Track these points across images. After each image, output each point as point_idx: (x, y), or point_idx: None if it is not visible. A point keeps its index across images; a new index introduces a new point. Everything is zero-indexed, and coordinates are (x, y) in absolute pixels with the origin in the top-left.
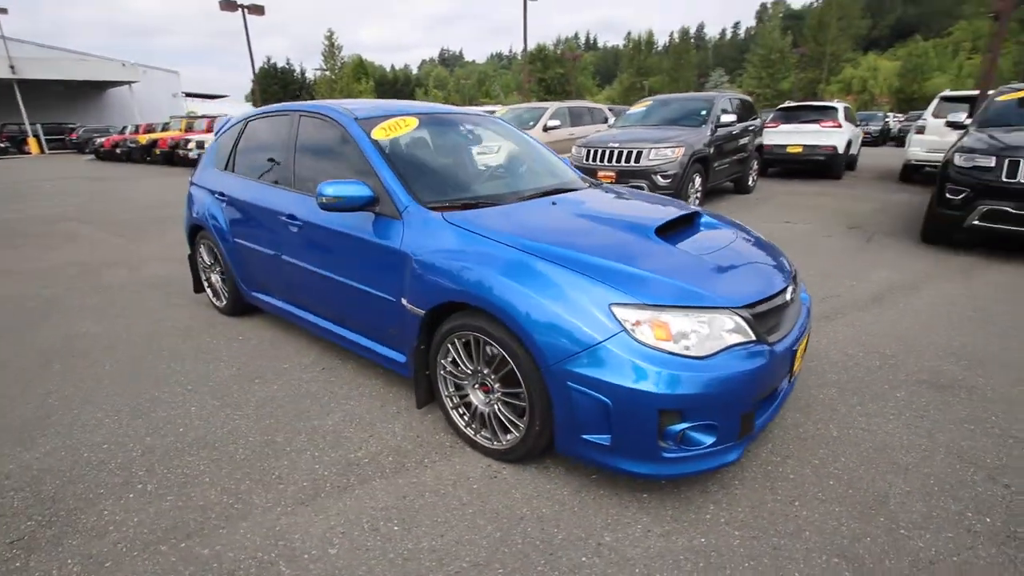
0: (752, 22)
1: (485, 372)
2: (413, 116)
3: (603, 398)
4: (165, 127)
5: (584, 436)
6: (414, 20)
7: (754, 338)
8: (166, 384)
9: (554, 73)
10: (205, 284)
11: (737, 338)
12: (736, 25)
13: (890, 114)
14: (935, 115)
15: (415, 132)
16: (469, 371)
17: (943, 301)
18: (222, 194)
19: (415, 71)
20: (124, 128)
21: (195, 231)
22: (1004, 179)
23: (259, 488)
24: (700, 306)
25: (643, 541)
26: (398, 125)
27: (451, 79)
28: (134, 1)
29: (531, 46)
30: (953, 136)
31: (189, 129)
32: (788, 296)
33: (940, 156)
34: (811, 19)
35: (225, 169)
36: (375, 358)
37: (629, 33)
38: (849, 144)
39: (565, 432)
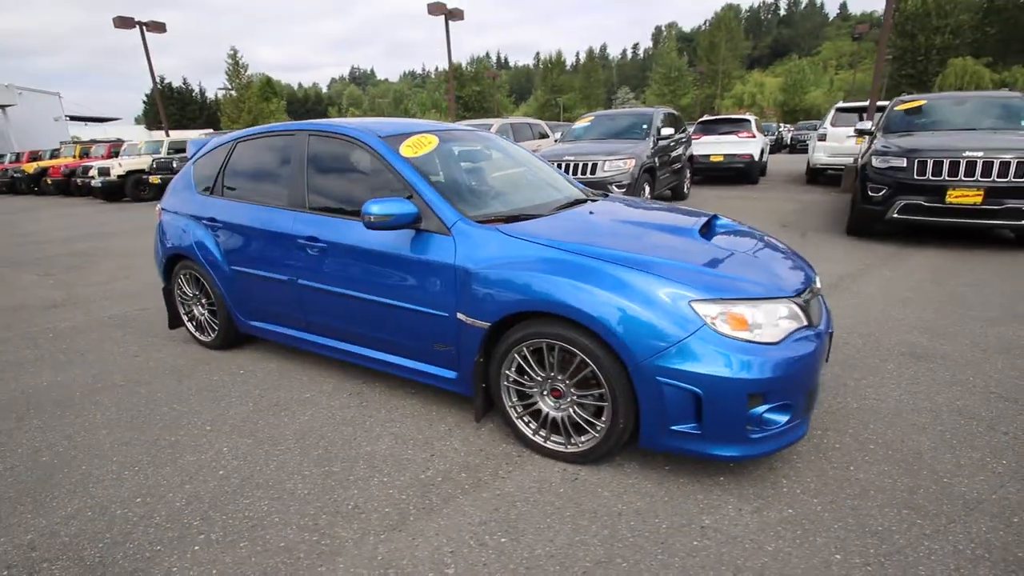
0: (650, 43)
1: (560, 378)
2: (431, 133)
3: (694, 388)
4: (55, 153)
5: (673, 427)
6: (317, 40)
7: (807, 323)
8: (179, 427)
9: (471, 91)
10: (185, 318)
11: (796, 324)
12: (635, 46)
13: (782, 125)
14: (833, 124)
15: (437, 149)
16: (539, 378)
17: (886, 285)
18: (213, 219)
19: (325, 89)
20: (2, 156)
21: (173, 261)
22: (915, 177)
23: (340, 520)
24: (765, 297)
25: (740, 519)
26: (421, 143)
27: (365, 98)
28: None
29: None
30: (850, 143)
31: (85, 155)
32: (818, 284)
33: (841, 160)
34: (703, 40)
35: (211, 193)
36: (417, 378)
37: (538, 54)
38: (762, 152)
39: (652, 426)
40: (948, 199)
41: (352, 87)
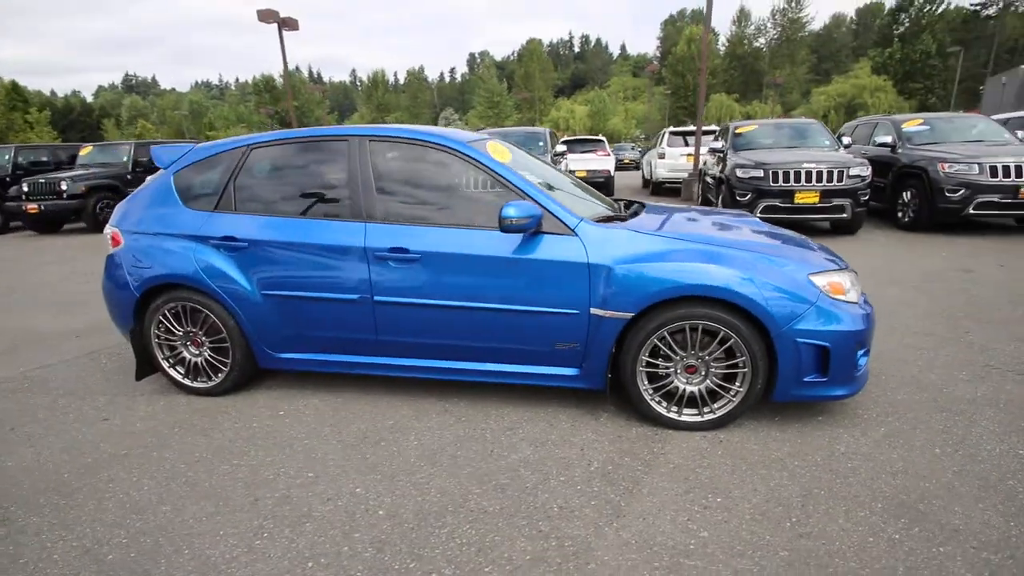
0: (465, 68)
1: (697, 354)
2: (495, 141)
3: (825, 343)
4: None
5: (805, 379)
6: (75, 40)
7: (860, 288)
8: (271, 483)
9: (287, 105)
10: (167, 364)
11: (859, 288)
12: (452, 70)
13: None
14: (670, 145)
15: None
16: (677, 358)
17: None
18: (230, 239)
19: (91, 98)
20: None
21: (152, 294)
22: (771, 184)
23: (562, 523)
24: (843, 268)
25: (858, 443)
26: (501, 150)
27: (153, 109)
28: None
29: (253, 77)
30: (683, 160)
31: None
32: None
33: (679, 175)
34: (519, 69)
35: (216, 208)
36: (528, 381)
37: (355, 70)
38: (614, 168)
39: (787, 381)
40: (796, 200)
41: (134, 97)
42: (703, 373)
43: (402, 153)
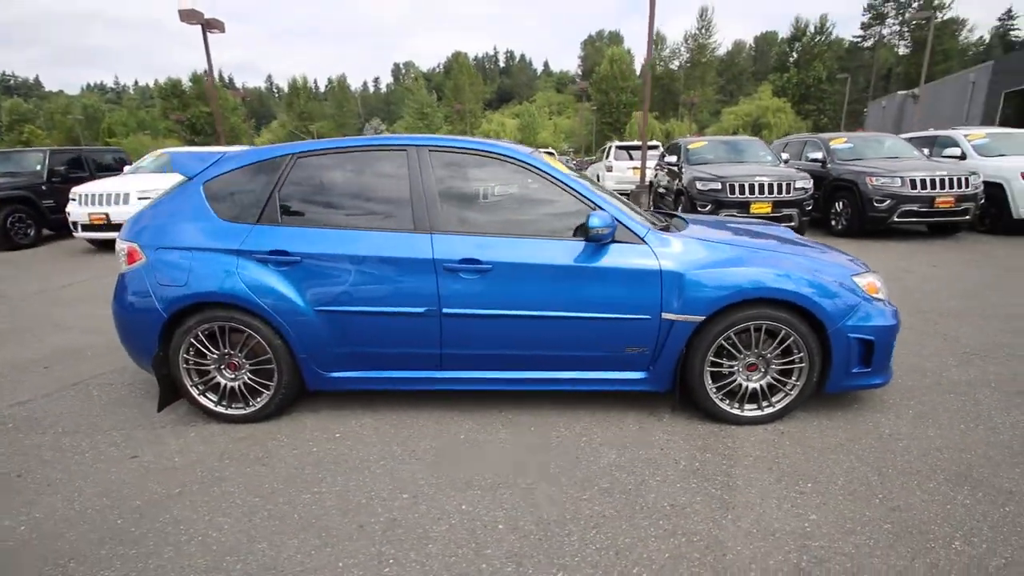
0: (391, 79)
1: (759, 353)
2: (543, 153)
3: (871, 337)
4: None
5: (853, 370)
6: None
7: None
8: (363, 508)
9: (199, 112)
10: (196, 391)
11: (885, 288)
12: (376, 80)
13: None
14: (616, 159)
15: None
16: (739, 357)
17: None
18: (281, 252)
19: None
20: None
21: (183, 315)
22: (728, 195)
23: (683, 520)
24: (871, 271)
25: (899, 420)
26: (556, 162)
27: (39, 112)
28: None
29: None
30: (629, 173)
31: None
32: None
33: (626, 186)
34: (449, 82)
35: (259, 221)
36: (594, 387)
37: (271, 76)
38: None
39: (839, 374)
40: (751, 210)
41: (15, 99)
42: (763, 370)
43: (463, 163)
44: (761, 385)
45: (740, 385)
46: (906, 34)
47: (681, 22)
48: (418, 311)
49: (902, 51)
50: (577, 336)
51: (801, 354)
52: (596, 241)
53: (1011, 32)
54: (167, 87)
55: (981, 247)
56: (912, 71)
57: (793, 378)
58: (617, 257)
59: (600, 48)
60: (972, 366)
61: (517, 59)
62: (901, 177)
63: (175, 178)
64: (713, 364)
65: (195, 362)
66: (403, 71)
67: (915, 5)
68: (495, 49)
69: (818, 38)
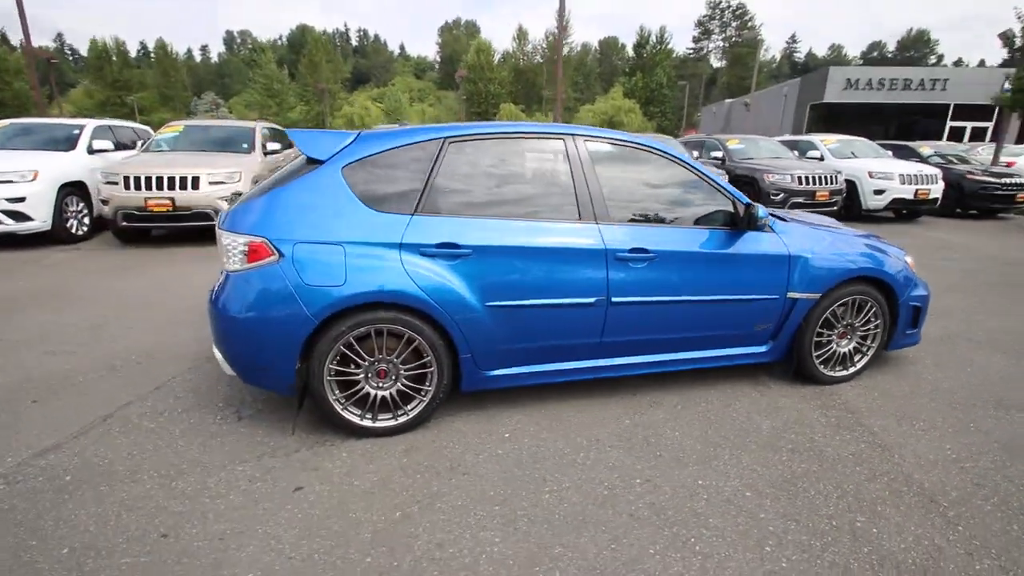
0: (223, 48)
1: (853, 323)
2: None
3: (919, 304)
4: None
5: (907, 332)
6: None
7: None
8: (628, 499)
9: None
10: (339, 405)
11: None
12: (205, 48)
13: None
14: None
15: None
16: (840, 327)
17: None
18: (452, 245)
19: None
20: None
21: (336, 319)
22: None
23: (883, 464)
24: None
25: (955, 373)
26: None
27: None
28: None
29: None
30: None
31: None
32: None
33: None
34: (304, 58)
35: (418, 211)
36: (724, 363)
37: (61, 35)
38: None
39: (900, 334)
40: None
41: None
42: (850, 337)
43: (616, 155)
44: (848, 350)
45: (834, 351)
46: (727, 50)
47: (541, 19)
48: (588, 301)
49: (723, 64)
50: (721, 316)
51: (878, 321)
52: (755, 229)
53: (795, 53)
54: None
55: None
56: (732, 82)
57: (869, 341)
58: (755, 244)
59: (458, 36)
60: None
61: (371, 39)
62: (791, 174)
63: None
64: (819, 333)
65: (338, 371)
66: (238, 40)
67: (734, 24)
68: (346, 26)
69: (659, 47)
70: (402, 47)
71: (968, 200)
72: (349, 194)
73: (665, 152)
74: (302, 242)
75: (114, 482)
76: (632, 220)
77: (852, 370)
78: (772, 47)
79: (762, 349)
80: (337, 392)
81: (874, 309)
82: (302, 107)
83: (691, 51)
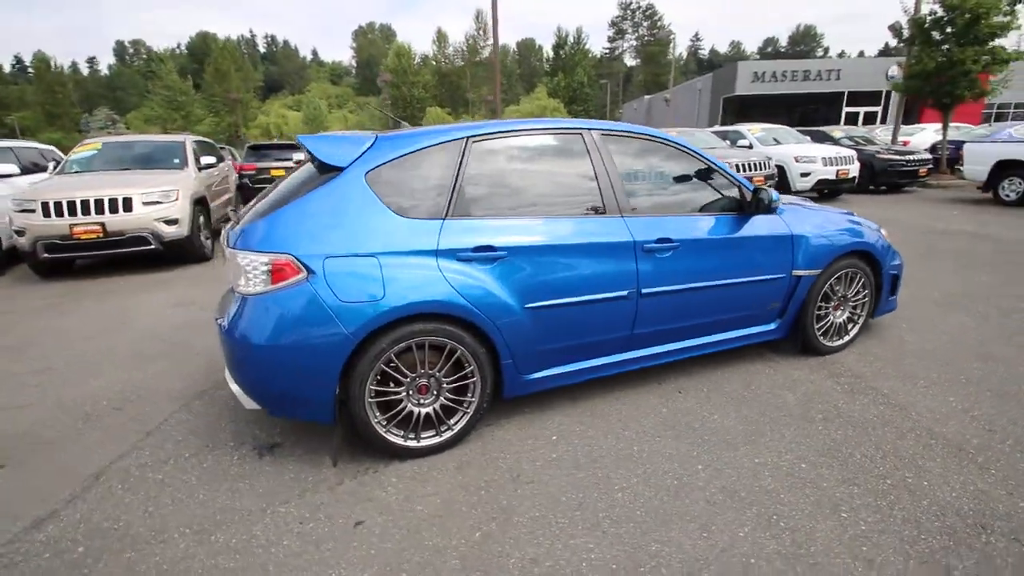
0: (113, 59)
1: (847, 294)
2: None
3: (897, 273)
4: None
5: (889, 298)
6: None
7: None
8: (697, 487)
9: None
10: (383, 429)
11: None
12: (92, 60)
13: None
14: None
15: None
16: (835, 299)
17: None
18: (488, 248)
19: None
20: None
21: (377, 335)
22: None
23: (903, 411)
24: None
25: (956, 331)
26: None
27: None
28: None
29: None
30: None
31: None
32: None
33: None
34: (209, 67)
35: (449, 215)
36: (739, 343)
37: None
38: None
39: (883, 300)
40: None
41: None
42: (843, 308)
43: (631, 148)
44: (843, 320)
45: (832, 323)
46: (640, 48)
47: (457, 21)
48: (622, 294)
49: (637, 63)
50: (739, 299)
51: (867, 291)
52: (765, 213)
53: (699, 51)
54: None
55: None
56: (648, 79)
57: (859, 310)
58: (762, 227)
59: (374, 40)
60: None
61: (281, 45)
62: (728, 162)
63: None
64: (820, 306)
65: (378, 392)
66: (131, 50)
67: (645, 24)
68: (252, 32)
69: (577, 47)
70: (315, 52)
71: (879, 177)
72: (376, 201)
73: (672, 142)
74: (333, 256)
75: (140, 546)
76: (652, 211)
77: (847, 339)
78: (679, 45)
79: (772, 327)
80: (378, 414)
81: (863, 280)
82: (211, 119)
83: (607, 51)
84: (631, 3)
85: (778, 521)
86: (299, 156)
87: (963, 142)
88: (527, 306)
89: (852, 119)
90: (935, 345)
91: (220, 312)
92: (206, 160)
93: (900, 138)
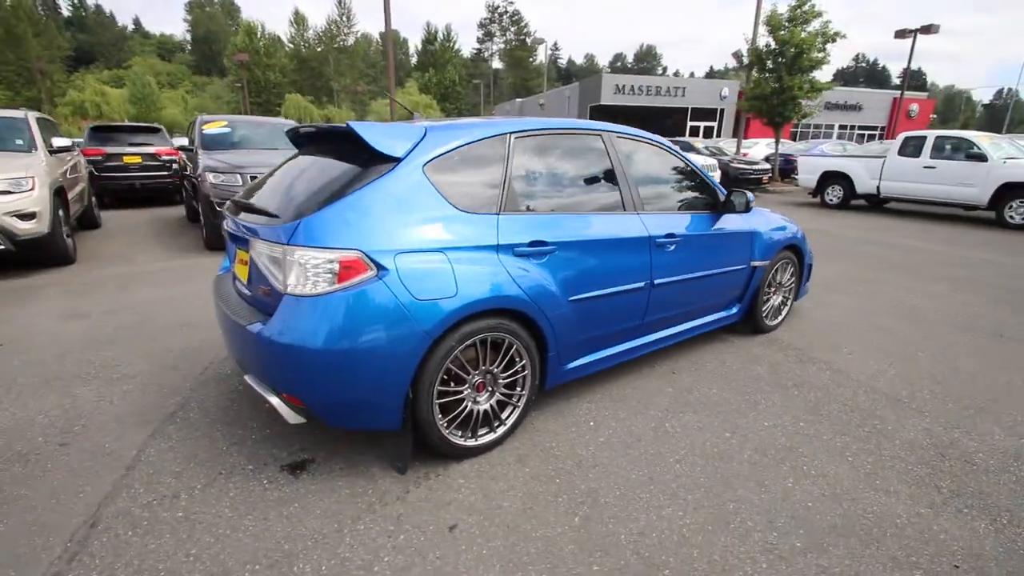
0: None
1: (783, 281)
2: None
3: (811, 263)
4: None
5: (805, 283)
6: None
7: None
8: (737, 473)
9: None
10: (446, 429)
11: None
12: None
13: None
14: None
15: None
16: (776, 284)
17: None
18: (540, 243)
19: None
20: None
21: (447, 333)
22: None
23: (856, 376)
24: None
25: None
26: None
27: None
28: None
29: None
30: None
31: None
32: None
33: None
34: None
35: (503, 210)
36: (711, 327)
37: None
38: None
39: (802, 288)
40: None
41: None
42: (779, 292)
43: (636, 149)
44: (779, 303)
45: (771, 306)
46: (507, 52)
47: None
48: (640, 285)
49: (503, 66)
50: (718, 287)
51: (794, 278)
52: (741, 212)
53: (559, 59)
54: None
55: None
56: (517, 83)
57: (789, 294)
58: (732, 223)
59: (213, 15)
60: None
61: (91, 9)
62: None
63: None
64: (765, 292)
65: (441, 392)
66: None
67: (512, 29)
68: None
69: (447, 44)
70: (137, 22)
71: (733, 184)
72: (437, 195)
73: (666, 145)
74: (404, 252)
75: None
76: (657, 208)
77: (780, 319)
78: (539, 53)
79: (733, 311)
80: (440, 416)
81: (792, 269)
82: (2, 91)
83: (476, 51)
84: (498, 7)
85: (809, 470)
86: (183, 142)
87: (791, 155)
88: (571, 298)
89: (695, 132)
90: (838, 320)
91: (237, 317)
92: (59, 142)
93: (741, 150)
